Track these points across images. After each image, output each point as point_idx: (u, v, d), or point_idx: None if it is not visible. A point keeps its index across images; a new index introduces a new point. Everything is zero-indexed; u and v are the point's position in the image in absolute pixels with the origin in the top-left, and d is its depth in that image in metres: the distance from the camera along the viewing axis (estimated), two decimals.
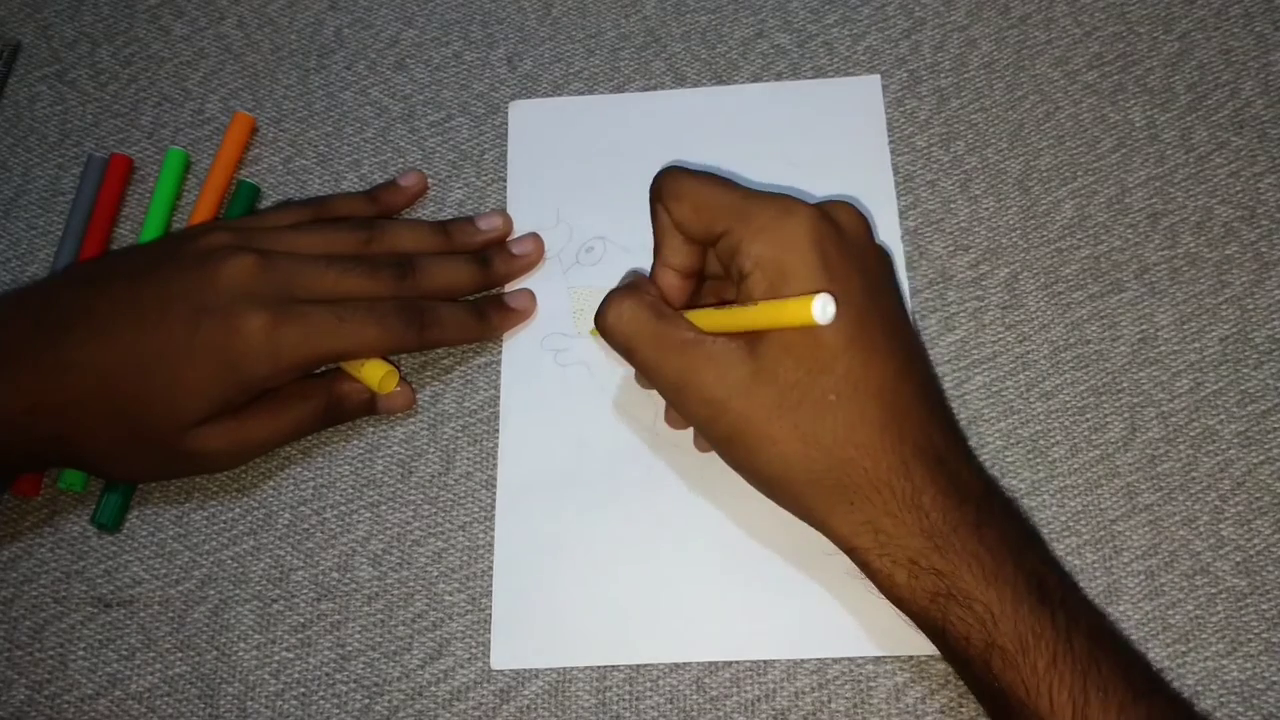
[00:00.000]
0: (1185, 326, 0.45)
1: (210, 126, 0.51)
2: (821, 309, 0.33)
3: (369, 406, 0.44)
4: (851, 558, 0.37)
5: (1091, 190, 0.48)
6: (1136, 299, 0.46)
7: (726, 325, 0.37)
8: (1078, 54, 0.50)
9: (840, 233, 0.37)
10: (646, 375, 0.39)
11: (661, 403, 0.44)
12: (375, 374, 0.43)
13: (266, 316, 0.40)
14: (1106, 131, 0.49)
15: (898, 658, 0.40)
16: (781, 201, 0.37)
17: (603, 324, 0.39)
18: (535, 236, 0.48)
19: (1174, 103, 0.49)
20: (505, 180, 0.49)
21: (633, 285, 0.40)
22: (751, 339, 0.36)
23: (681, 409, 0.38)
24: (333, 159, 0.50)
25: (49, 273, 0.48)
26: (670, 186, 0.39)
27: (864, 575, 0.37)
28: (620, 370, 0.45)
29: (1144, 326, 0.45)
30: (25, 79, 0.53)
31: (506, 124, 0.50)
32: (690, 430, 0.43)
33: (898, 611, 0.37)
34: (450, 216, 0.49)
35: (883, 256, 0.40)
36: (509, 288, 0.47)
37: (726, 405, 0.36)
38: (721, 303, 0.42)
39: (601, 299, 0.39)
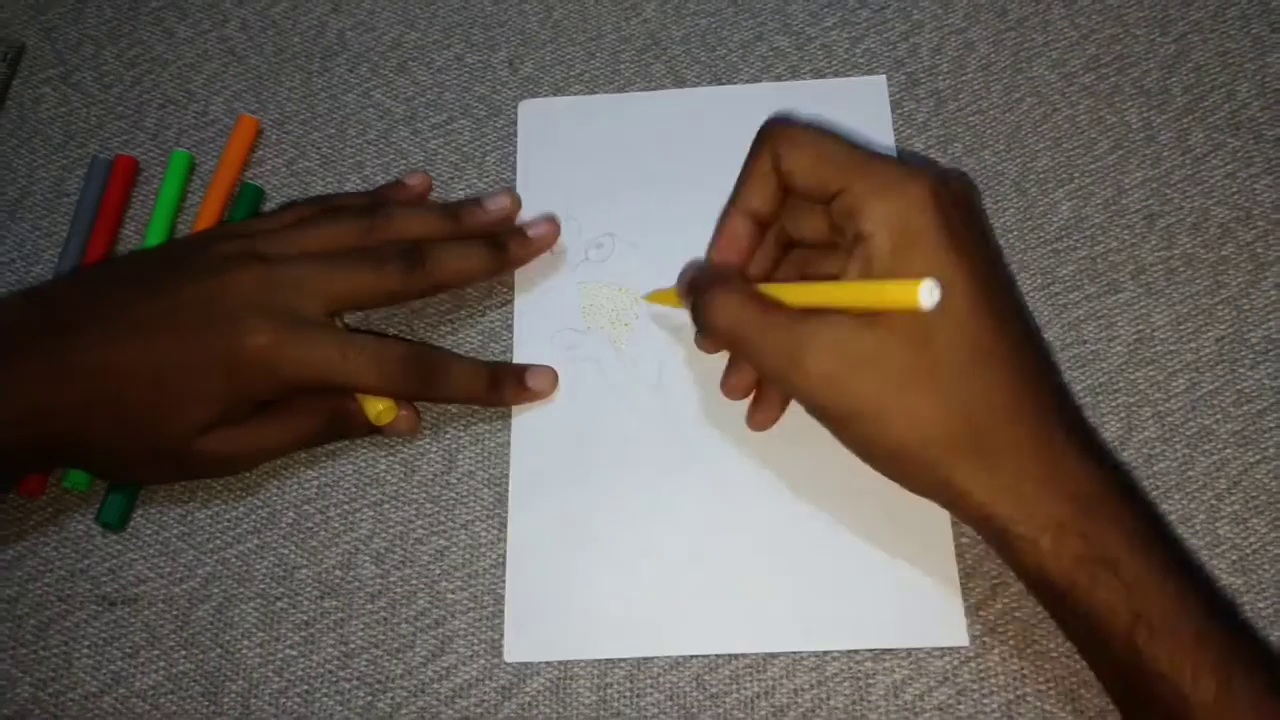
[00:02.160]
0: (1181, 327, 0.45)
1: (214, 129, 0.52)
2: (929, 293, 0.32)
3: (374, 427, 0.44)
4: (983, 529, 0.36)
5: (1088, 191, 0.48)
6: (1133, 299, 0.46)
7: (819, 302, 0.36)
8: (1075, 56, 0.51)
9: (958, 200, 0.36)
10: (757, 362, 0.38)
11: (670, 399, 0.44)
12: (373, 407, 0.43)
13: (270, 334, 0.40)
14: (1103, 133, 0.49)
15: (896, 653, 0.41)
16: (904, 165, 0.36)
17: (707, 320, 0.38)
18: (550, 218, 0.47)
19: (1170, 104, 0.49)
20: (507, 182, 0.50)
21: (716, 279, 0.39)
22: (868, 315, 0.35)
23: (799, 387, 0.36)
24: (336, 161, 0.51)
25: (54, 274, 0.48)
26: (790, 133, 0.38)
27: (996, 551, 0.36)
28: (629, 367, 0.46)
29: (1140, 327, 0.46)
30: (30, 81, 0.53)
31: (508, 126, 0.51)
32: (697, 415, 0.43)
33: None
34: None
35: (991, 227, 0.39)
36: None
37: (851, 379, 0.35)
38: (803, 278, 0.41)
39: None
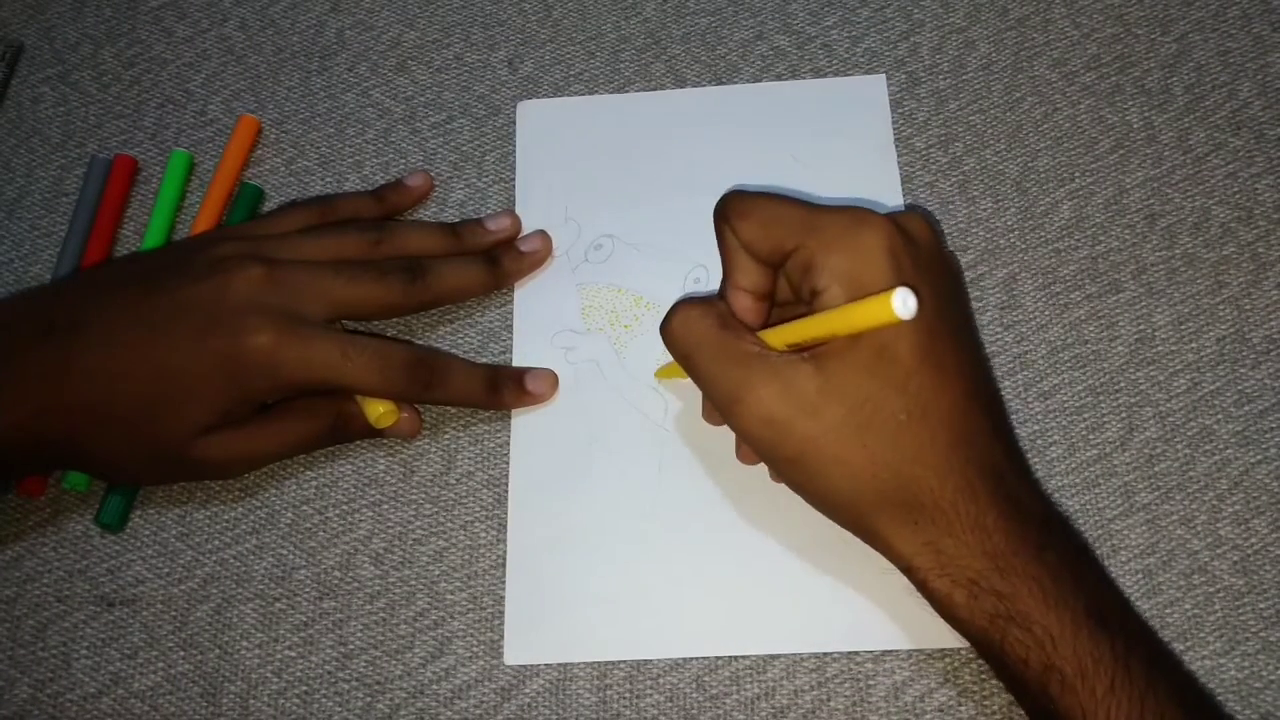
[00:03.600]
0: (1183, 327, 0.45)
1: (213, 128, 0.51)
2: (903, 303, 0.32)
3: (374, 430, 0.44)
4: (909, 577, 0.37)
5: (1089, 191, 0.48)
6: (1134, 299, 0.46)
7: (798, 338, 0.36)
8: (1075, 55, 0.51)
9: (913, 243, 0.36)
10: (703, 388, 0.38)
11: (674, 401, 0.44)
12: (374, 410, 0.43)
13: (271, 334, 0.40)
14: (1104, 133, 0.49)
15: (897, 653, 0.41)
16: (853, 213, 0.36)
17: (666, 331, 0.38)
18: (542, 233, 0.48)
19: (1171, 104, 0.49)
20: (507, 181, 0.50)
21: (702, 298, 0.39)
22: (818, 357, 0.35)
23: (739, 426, 0.37)
24: (335, 160, 0.51)
25: (53, 274, 0.48)
26: (736, 206, 0.38)
27: (919, 594, 0.37)
28: (629, 369, 0.45)
29: (1141, 326, 0.45)
30: (28, 80, 0.53)
31: (508, 125, 0.51)
32: (698, 424, 0.43)
33: (925, 613, 0.37)
34: (452, 217, 0.49)
35: (953, 268, 0.38)
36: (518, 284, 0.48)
37: (792, 424, 0.35)
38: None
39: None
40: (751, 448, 0.38)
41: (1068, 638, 0.34)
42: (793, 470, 0.37)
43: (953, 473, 0.35)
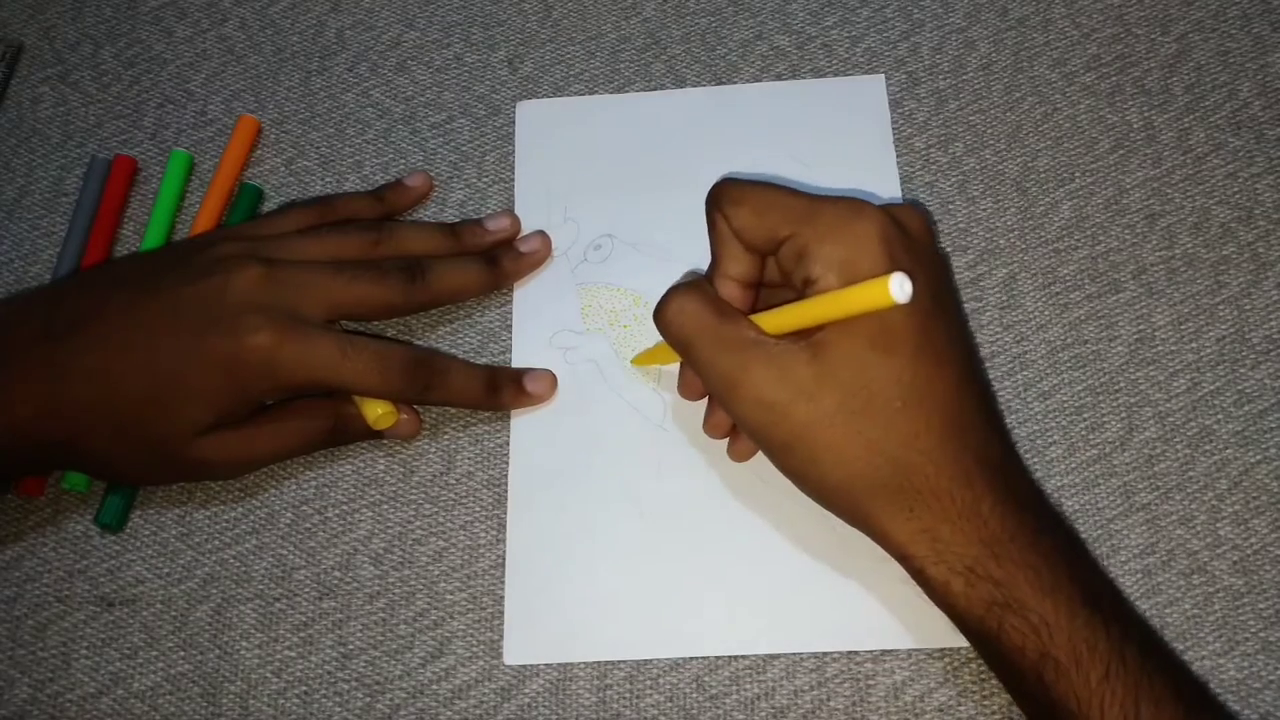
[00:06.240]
0: (1182, 327, 0.45)
1: (213, 128, 0.51)
2: (899, 287, 0.32)
3: (373, 432, 0.44)
4: (905, 565, 0.37)
5: (1089, 191, 0.48)
6: (1134, 299, 0.46)
7: (794, 323, 0.36)
8: (1075, 56, 0.51)
9: (906, 234, 0.37)
10: (701, 374, 0.38)
11: (671, 399, 0.44)
12: (372, 411, 0.43)
13: (270, 333, 0.40)
14: (1104, 133, 0.49)
15: (897, 653, 0.41)
16: (848, 203, 0.36)
17: (661, 318, 0.38)
18: (542, 234, 0.48)
19: (1171, 104, 0.49)
20: (506, 181, 0.50)
21: (695, 283, 0.39)
22: (814, 344, 0.35)
23: (736, 411, 0.37)
24: (335, 160, 0.51)
25: (52, 275, 0.48)
26: (729, 193, 0.38)
27: (915, 582, 0.37)
28: (629, 368, 0.45)
29: (1141, 327, 0.45)
30: (28, 80, 0.53)
31: (508, 125, 0.51)
32: (699, 415, 0.43)
33: (933, 612, 0.37)
34: (452, 217, 0.49)
35: (943, 261, 0.39)
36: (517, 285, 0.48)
37: (787, 410, 0.35)
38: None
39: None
40: (748, 433, 0.38)
41: (1063, 624, 0.34)
42: (788, 456, 0.37)
43: (948, 459, 0.35)
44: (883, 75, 0.50)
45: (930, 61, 0.51)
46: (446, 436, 0.45)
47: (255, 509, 0.44)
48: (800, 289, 0.36)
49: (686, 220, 0.45)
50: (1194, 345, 0.45)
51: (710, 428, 0.43)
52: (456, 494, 0.44)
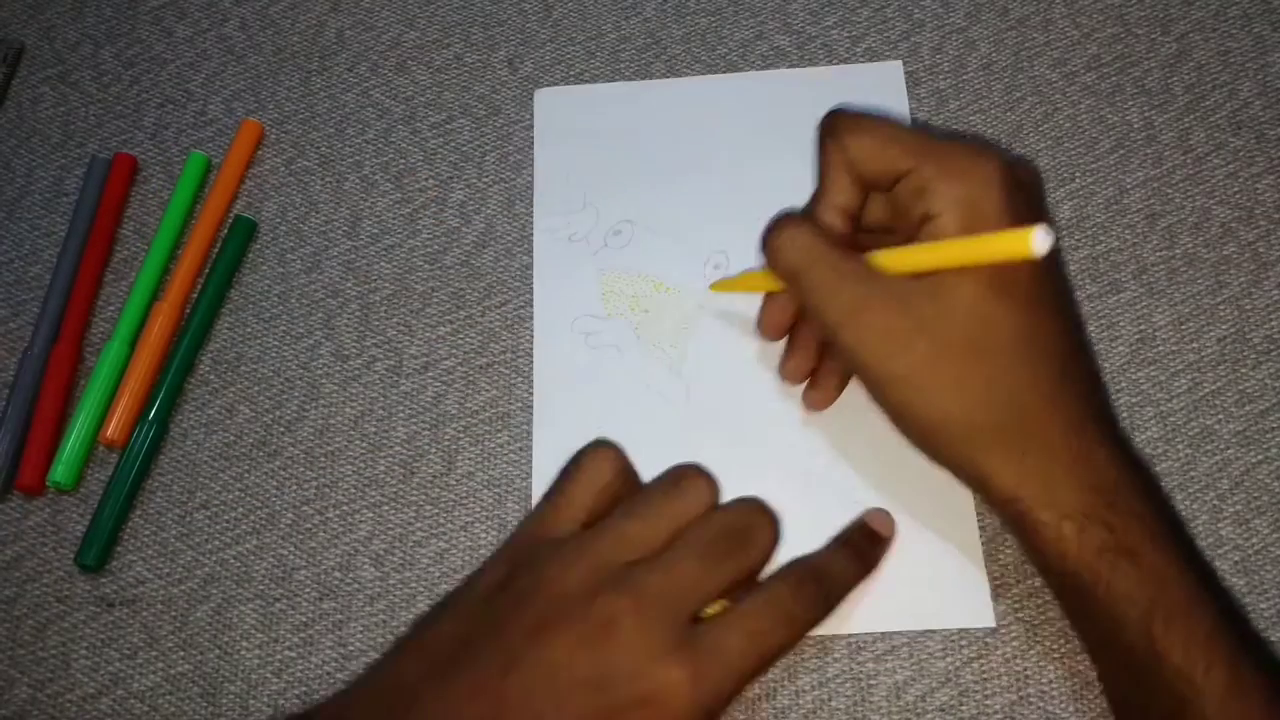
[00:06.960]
0: (1183, 326, 0.45)
1: (213, 128, 0.51)
2: (1042, 240, 0.32)
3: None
4: (1008, 511, 0.36)
5: (1089, 191, 0.48)
6: (1135, 299, 0.46)
7: (914, 265, 0.35)
8: (1076, 55, 0.51)
9: (1024, 185, 0.36)
10: (815, 304, 0.36)
11: (694, 382, 0.44)
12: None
13: (681, 670, 0.31)
14: (1104, 132, 0.49)
15: (897, 653, 0.41)
16: (973, 145, 0.36)
17: (770, 245, 0.37)
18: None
19: (1172, 104, 0.49)
20: (507, 181, 0.50)
21: (801, 214, 0.38)
22: (935, 283, 0.35)
23: (852, 338, 0.36)
24: (335, 160, 0.51)
25: (52, 274, 0.48)
26: (848, 122, 0.37)
27: (1016, 535, 0.36)
28: (649, 351, 0.46)
29: (1142, 326, 0.45)
30: (28, 80, 0.53)
31: (508, 125, 0.51)
32: (721, 399, 0.43)
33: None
34: (453, 217, 0.49)
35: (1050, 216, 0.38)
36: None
37: (911, 339, 0.35)
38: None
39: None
40: (856, 366, 0.36)
41: (1175, 574, 0.34)
42: (902, 388, 0.36)
43: (1065, 405, 0.35)
44: (900, 61, 0.50)
45: (930, 61, 0.51)
46: (446, 438, 0.45)
47: (256, 509, 0.44)
48: (917, 224, 0.36)
49: (706, 205, 0.45)
50: (1195, 345, 0.45)
51: (789, 370, 0.43)
52: (457, 495, 0.44)
